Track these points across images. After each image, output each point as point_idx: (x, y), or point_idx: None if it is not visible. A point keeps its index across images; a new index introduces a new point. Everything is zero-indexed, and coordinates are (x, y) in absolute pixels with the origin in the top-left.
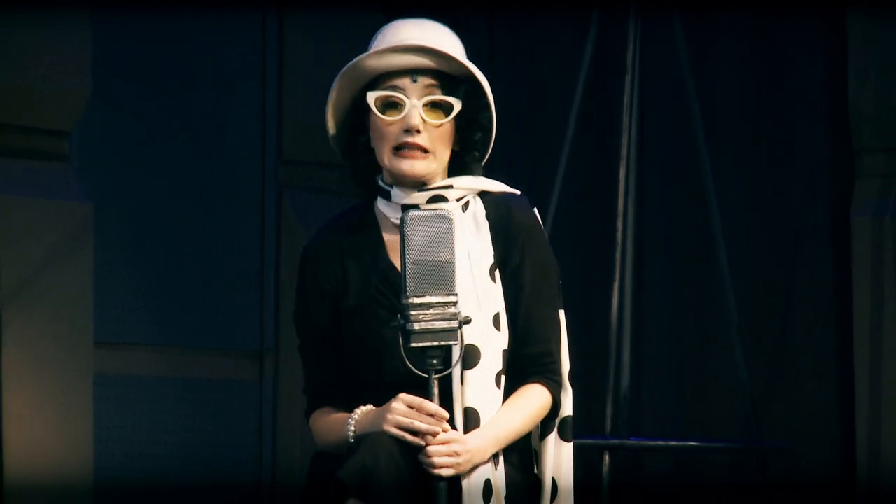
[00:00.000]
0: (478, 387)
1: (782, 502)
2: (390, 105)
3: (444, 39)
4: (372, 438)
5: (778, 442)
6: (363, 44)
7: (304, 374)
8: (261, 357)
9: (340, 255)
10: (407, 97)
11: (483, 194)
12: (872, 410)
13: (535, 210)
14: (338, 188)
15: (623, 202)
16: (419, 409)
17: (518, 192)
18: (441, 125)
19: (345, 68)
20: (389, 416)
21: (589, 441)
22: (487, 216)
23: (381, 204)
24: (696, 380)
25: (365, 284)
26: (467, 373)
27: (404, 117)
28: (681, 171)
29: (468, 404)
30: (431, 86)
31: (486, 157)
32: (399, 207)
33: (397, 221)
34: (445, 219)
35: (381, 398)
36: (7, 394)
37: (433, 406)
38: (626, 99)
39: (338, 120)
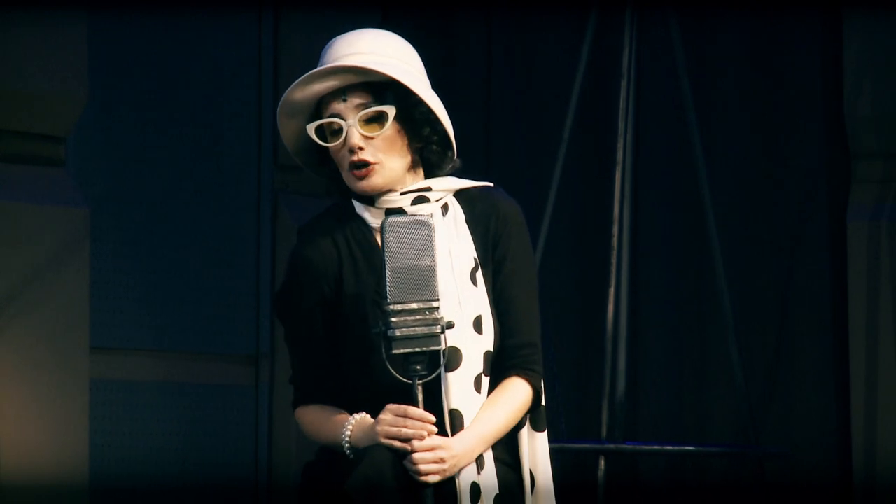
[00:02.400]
0: (460, 389)
1: None
2: (333, 131)
3: (366, 46)
4: (375, 450)
5: (775, 447)
6: None
7: (292, 363)
8: (256, 362)
9: (338, 255)
10: (343, 119)
11: (459, 193)
12: (868, 414)
13: (513, 199)
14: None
15: (619, 207)
16: (405, 416)
17: (491, 184)
18: (381, 135)
19: (278, 106)
20: (379, 429)
21: (585, 445)
22: (467, 215)
23: (360, 209)
24: (693, 384)
25: (361, 288)
26: (450, 375)
27: (345, 140)
28: (677, 176)
29: (453, 406)
30: (362, 100)
31: (453, 148)
32: (383, 212)
33: (377, 225)
34: (425, 224)
35: (373, 400)
36: (2, 398)
37: (418, 411)
38: (621, 104)
39: (301, 147)
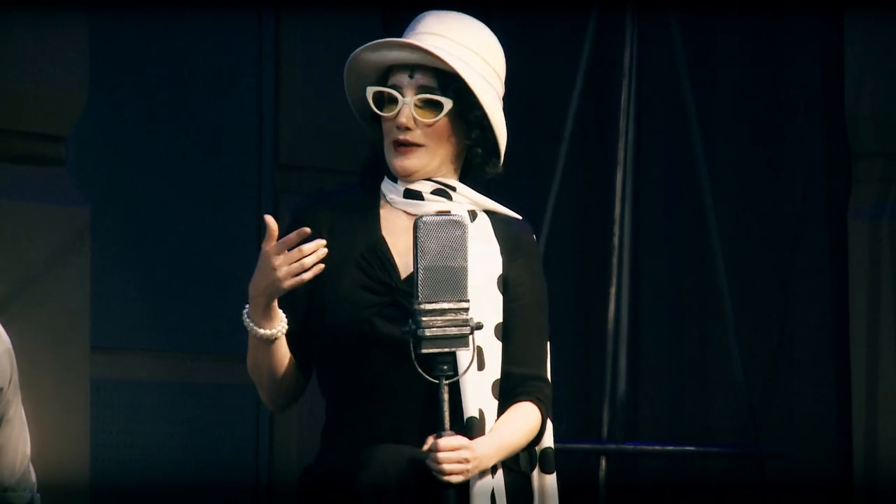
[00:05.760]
0: (484, 390)
1: None
2: (389, 101)
3: (455, 33)
4: (380, 453)
5: (776, 447)
6: (360, 45)
7: None
8: None
9: (331, 217)
10: (402, 94)
11: (490, 214)
12: (869, 413)
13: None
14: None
15: (620, 207)
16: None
17: (521, 217)
18: (432, 123)
19: (347, 61)
20: (278, 274)
21: (586, 446)
22: (496, 234)
23: (385, 185)
24: (694, 384)
25: (350, 249)
26: (477, 374)
27: (396, 114)
28: (677, 176)
29: (479, 406)
30: (426, 83)
31: (500, 156)
32: (402, 191)
33: (395, 201)
34: (459, 224)
35: (349, 352)
36: None
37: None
38: (622, 104)
39: (361, 104)
